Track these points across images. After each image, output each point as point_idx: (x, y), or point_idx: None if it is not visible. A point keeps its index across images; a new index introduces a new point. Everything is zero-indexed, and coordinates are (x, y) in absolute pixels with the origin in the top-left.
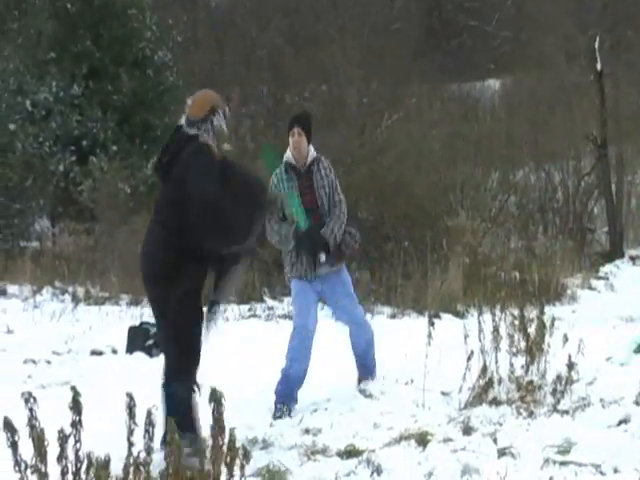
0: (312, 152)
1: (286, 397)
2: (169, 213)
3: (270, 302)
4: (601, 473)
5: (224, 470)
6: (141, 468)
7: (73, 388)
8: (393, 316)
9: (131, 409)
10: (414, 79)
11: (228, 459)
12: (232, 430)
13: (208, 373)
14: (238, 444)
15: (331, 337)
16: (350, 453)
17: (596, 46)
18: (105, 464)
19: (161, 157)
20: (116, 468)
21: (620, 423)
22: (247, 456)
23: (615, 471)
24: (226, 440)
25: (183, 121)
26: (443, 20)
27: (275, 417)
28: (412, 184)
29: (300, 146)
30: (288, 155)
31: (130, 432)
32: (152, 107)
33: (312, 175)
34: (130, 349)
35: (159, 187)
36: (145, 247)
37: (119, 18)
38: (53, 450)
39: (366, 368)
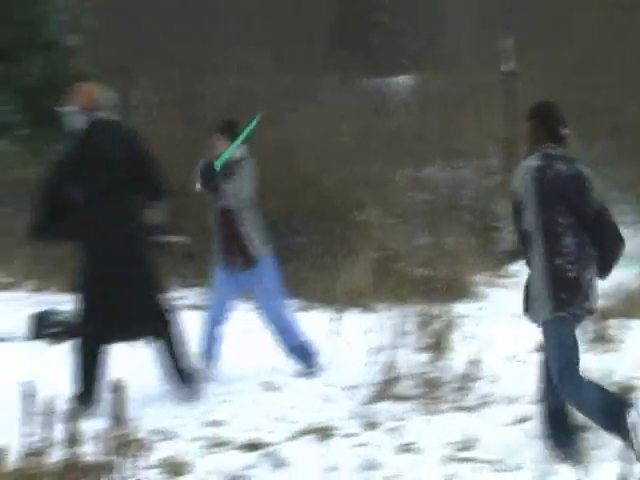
0: None
1: None
2: None
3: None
4: (500, 470)
5: (124, 461)
6: (38, 458)
7: None
8: (301, 309)
9: (30, 397)
10: (326, 73)
11: (127, 450)
12: (134, 421)
13: (114, 363)
14: (139, 435)
15: (239, 329)
16: (252, 446)
17: (505, 46)
18: (1, 454)
19: None
20: (13, 458)
21: (520, 421)
22: (148, 447)
23: (513, 468)
24: (127, 431)
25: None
26: (355, 14)
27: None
28: (323, 178)
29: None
30: None
31: (28, 421)
32: (62, 92)
33: None
34: (31, 336)
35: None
36: None
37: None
38: None
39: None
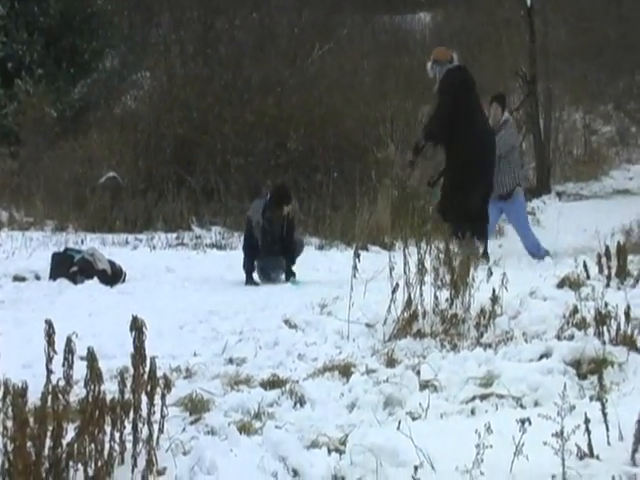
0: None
1: None
2: None
3: (198, 231)
4: (521, 406)
5: (145, 399)
6: (59, 396)
7: None
8: (321, 247)
9: (50, 336)
10: (345, 9)
11: (149, 388)
12: (153, 359)
13: (133, 301)
14: (160, 373)
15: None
16: (273, 383)
17: None
18: (22, 392)
19: None
20: (35, 397)
21: (541, 357)
22: (168, 385)
23: (535, 404)
24: (147, 369)
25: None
26: None
27: None
28: (342, 115)
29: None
30: None
31: (49, 360)
32: (80, 30)
33: None
34: (53, 275)
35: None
36: None
37: None
38: None
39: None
